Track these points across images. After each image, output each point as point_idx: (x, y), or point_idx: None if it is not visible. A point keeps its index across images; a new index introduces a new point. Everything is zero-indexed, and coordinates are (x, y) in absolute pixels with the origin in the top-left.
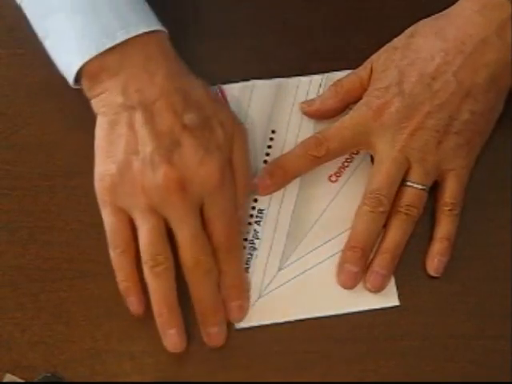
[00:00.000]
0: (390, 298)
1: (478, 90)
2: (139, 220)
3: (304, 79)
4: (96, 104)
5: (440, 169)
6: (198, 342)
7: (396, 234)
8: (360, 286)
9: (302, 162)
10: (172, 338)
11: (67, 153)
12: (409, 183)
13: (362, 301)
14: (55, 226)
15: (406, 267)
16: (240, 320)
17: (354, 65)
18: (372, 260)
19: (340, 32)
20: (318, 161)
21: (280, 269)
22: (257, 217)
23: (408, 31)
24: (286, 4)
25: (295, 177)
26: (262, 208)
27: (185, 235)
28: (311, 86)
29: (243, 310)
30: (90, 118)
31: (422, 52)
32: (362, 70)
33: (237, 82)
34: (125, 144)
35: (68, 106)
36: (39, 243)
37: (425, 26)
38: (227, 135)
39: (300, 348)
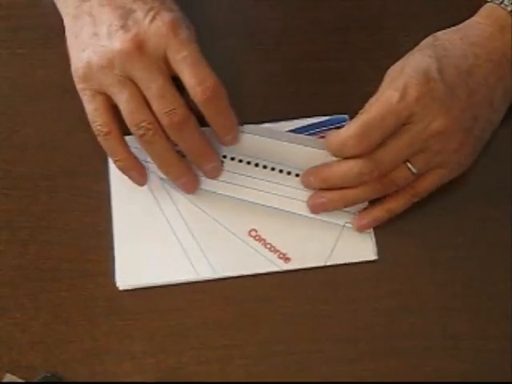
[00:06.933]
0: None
1: (497, 100)
2: (115, 95)
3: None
4: (61, 8)
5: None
6: (198, 342)
7: (365, 192)
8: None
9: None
10: (185, 185)
11: (67, 153)
12: (409, 165)
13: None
14: (55, 226)
15: (406, 266)
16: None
17: (353, 64)
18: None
19: (340, 32)
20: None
21: None
22: None
23: (427, 39)
24: (285, 4)
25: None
26: None
27: (153, 92)
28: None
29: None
30: None
31: (453, 50)
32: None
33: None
34: (86, 31)
35: (68, 106)
36: (39, 243)
37: (445, 34)
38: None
39: (300, 348)
